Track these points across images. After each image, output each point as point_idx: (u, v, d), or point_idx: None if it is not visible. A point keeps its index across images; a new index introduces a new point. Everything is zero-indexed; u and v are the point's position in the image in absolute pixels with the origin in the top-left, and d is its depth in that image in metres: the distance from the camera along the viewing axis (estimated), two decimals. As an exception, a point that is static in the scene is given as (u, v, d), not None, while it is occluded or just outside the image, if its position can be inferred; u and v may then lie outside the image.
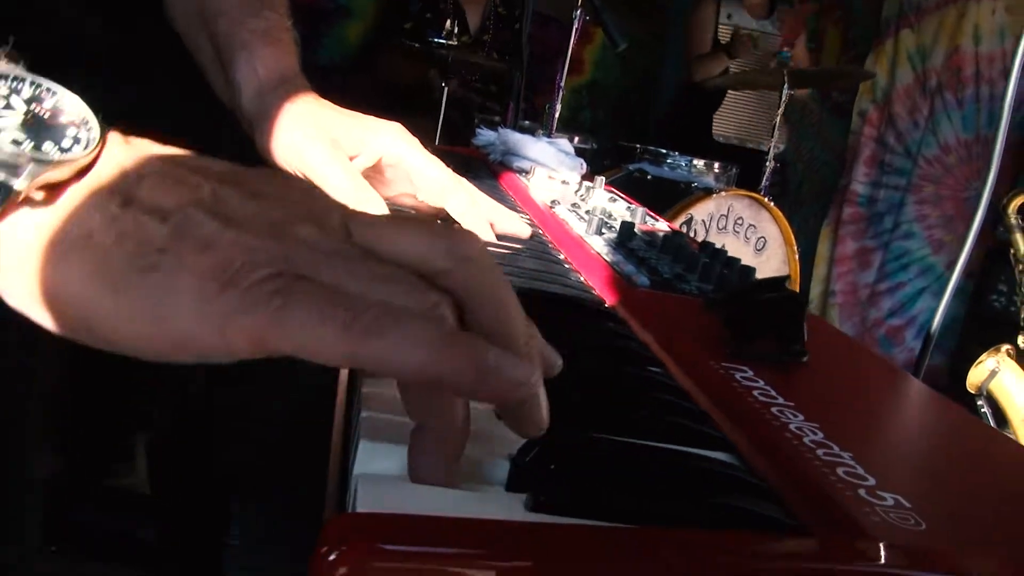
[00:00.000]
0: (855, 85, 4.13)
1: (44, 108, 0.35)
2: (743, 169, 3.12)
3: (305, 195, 0.36)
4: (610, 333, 0.57)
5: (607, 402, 0.45)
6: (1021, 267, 2.62)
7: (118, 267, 0.32)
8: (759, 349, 0.54)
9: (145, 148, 0.37)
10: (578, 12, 2.31)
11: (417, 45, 2.93)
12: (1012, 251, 2.63)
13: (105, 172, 0.35)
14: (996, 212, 2.59)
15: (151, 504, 0.96)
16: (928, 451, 0.48)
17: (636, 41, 3.62)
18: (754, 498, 0.37)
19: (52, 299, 0.33)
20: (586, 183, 1.14)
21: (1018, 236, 2.61)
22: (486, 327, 0.34)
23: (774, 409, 0.46)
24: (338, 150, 0.73)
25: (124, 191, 0.34)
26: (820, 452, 0.41)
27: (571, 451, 0.37)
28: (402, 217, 0.36)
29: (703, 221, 2.56)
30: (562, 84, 2.35)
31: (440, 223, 0.35)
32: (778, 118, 2.96)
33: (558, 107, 2.32)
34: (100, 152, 0.35)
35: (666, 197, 2.57)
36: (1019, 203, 2.57)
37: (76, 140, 0.35)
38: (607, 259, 0.75)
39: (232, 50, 0.75)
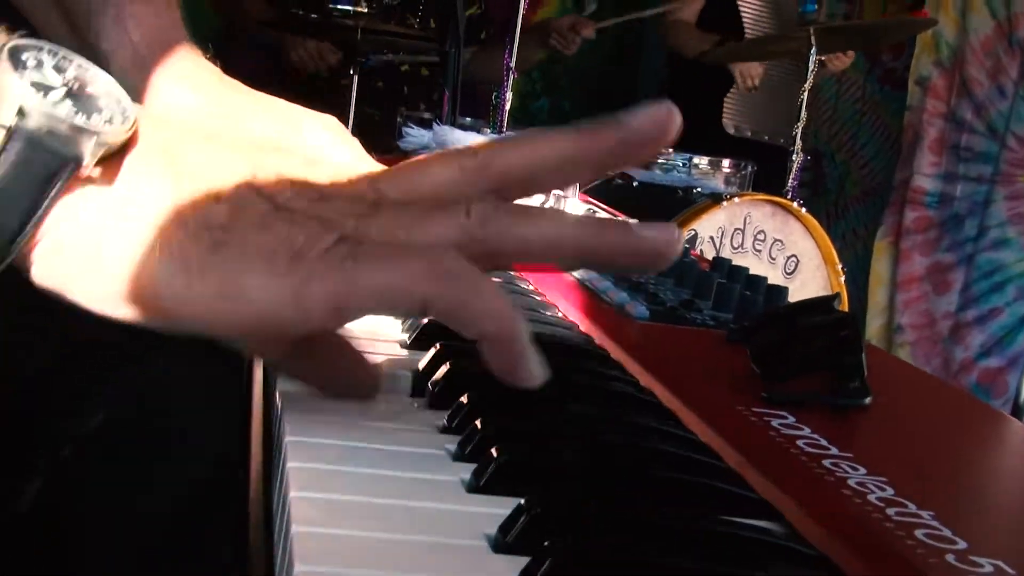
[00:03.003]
0: (910, 43, 4.24)
1: (84, 84, 0.48)
2: (762, 167, 3.19)
3: (331, 168, 0.51)
4: (600, 377, 0.59)
5: (603, 463, 0.47)
6: None
7: (184, 247, 0.45)
8: (803, 391, 0.57)
9: (175, 122, 0.52)
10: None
11: (314, 15, 2.95)
12: None
13: (148, 149, 0.49)
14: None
15: None
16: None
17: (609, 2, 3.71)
18: (808, 570, 0.40)
19: (128, 288, 0.46)
20: (554, 192, 1.17)
21: None
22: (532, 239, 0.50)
23: (826, 462, 0.48)
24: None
25: (173, 169, 0.48)
26: (891, 511, 0.44)
27: (568, 520, 0.39)
28: (420, 159, 0.53)
29: (711, 238, 2.62)
30: (512, 65, 2.41)
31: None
32: (805, 95, 3.04)
33: (508, 95, 2.38)
34: (137, 126, 0.48)
35: (660, 208, 2.62)
36: None
37: (112, 115, 0.47)
38: (590, 287, 0.78)
39: (89, 7, 0.76)
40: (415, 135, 1.45)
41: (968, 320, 4.13)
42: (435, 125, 1.43)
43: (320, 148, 0.78)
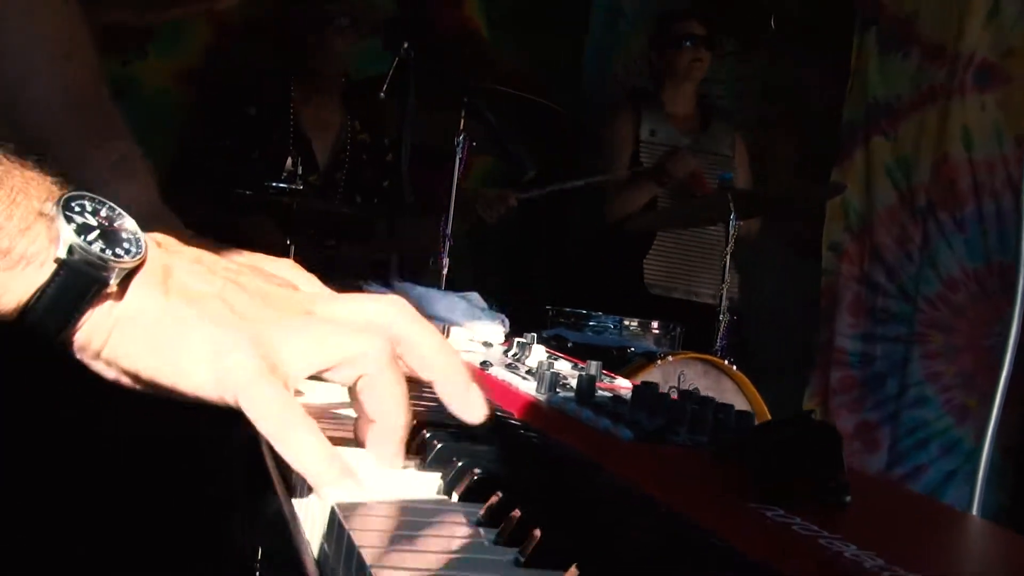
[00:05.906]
0: (819, 210, 4.43)
1: (114, 224, 0.70)
2: (688, 328, 3.32)
3: (282, 290, 0.78)
4: (602, 485, 0.66)
5: (615, 548, 0.54)
6: (1070, 430, 2.80)
7: (162, 337, 0.69)
8: (792, 491, 0.65)
9: (174, 249, 0.75)
10: (462, 138, 2.51)
11: (248, 192, 3.05)
12: (1057, 410, 2.82)
13: (151, 269, 0.71)
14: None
15: None
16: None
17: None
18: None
19: (127, 363, 0.70)
20: (518, 340, 1.25)
21: (1060, 388, 2.78)
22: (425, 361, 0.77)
23: (821, 540, 0.55)
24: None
25: (164, 284, 0.71)
26: (886, 574, 0.51)
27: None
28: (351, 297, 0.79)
29: (649, 396, 2.71)
30: (449, 232, 2.52)
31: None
32: (727, 258, 3.20)
33: (446, 261, 2.48)
34: (146, 254, 0.71)
35: (596, 369, 2.70)
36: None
37: (129, 246, 0.69)
38: (574, 416, 0.85)
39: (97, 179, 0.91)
40: (376, 291, 1.52)
41: (896, 477, 4.22)
42: (395, 283, 1.51)
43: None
